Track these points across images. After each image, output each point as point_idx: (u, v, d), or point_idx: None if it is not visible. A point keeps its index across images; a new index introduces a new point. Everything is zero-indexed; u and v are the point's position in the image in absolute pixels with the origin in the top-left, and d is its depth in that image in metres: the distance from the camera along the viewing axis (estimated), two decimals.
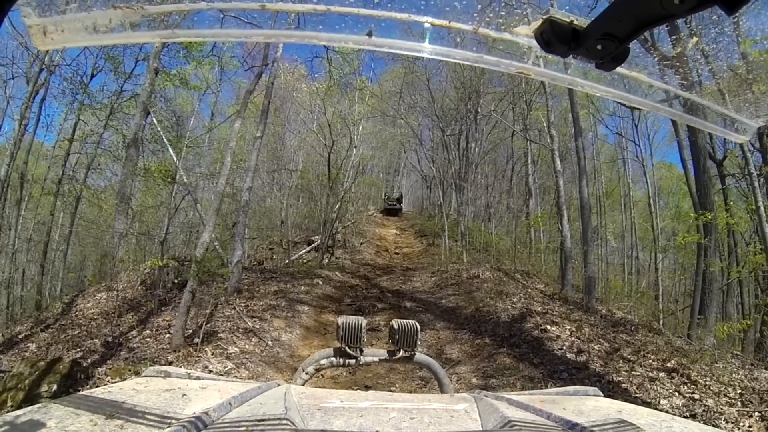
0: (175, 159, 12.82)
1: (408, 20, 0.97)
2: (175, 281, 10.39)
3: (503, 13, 0.95)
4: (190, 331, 7.63)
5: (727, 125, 1.19)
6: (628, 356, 6.80)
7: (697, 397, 5.58)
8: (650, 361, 6.69)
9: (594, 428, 0.99)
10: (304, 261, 16.72)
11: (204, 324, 7.39)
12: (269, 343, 7.88)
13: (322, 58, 17.41)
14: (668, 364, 6.55)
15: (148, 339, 7.98)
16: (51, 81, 14.45)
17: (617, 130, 23.76)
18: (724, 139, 14.85)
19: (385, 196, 32.92)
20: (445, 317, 9.72)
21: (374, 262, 17.91)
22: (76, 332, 8.70)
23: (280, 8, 1.08)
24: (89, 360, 7.38)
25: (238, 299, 9.44)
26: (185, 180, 12.28)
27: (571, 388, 1.53)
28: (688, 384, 5.97)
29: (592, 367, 6.56)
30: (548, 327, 8.00)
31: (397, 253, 20.27)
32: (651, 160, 22.21)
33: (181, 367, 5.18)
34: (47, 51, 13.72)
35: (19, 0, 0.64)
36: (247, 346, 7.56)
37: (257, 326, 8.27)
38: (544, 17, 0.75)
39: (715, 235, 10.81)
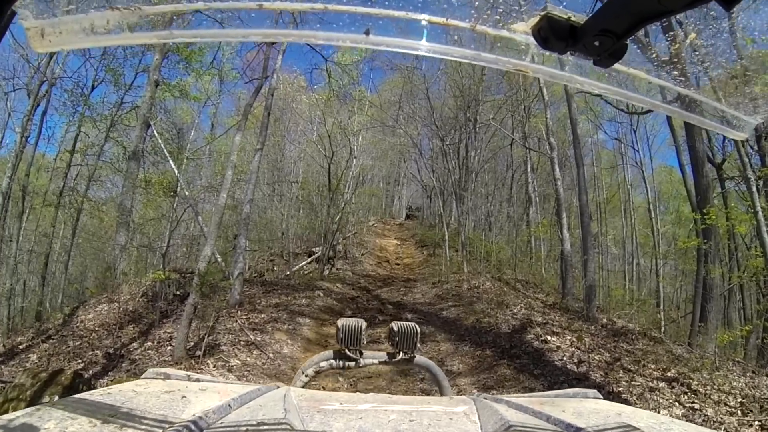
0: (176, 171, 12.84)
1: (406, 18, 0.95)
2: (177, 293, 10.39)
3: (500, 10, 0.95)
4: (192, 343, 7.66)
5: (726, 122, 1.17)
6: (629, 366, 6.81)
7: (697, 406, 5.59)
8: (650, 370, 6.70)
9: (593, 431, 1.00)
10: (305, 272, 16.63)
11: (206, 336, 7.42)
12: (271, 355, 7.90)
13: (322, 69, 17.52)
14: (668, 374, 6.56)
15: (149, 351, 8.00)
16: (52, 93, 14.46)
17: (616, 136, 23.68)
18: (723, 142, 14.81)
19: (408, 207, 38.17)
20: (445, 329, 9.73)
21: (375, 273, 17.86)
22: (78, 343, 8.71)
23: (278, 7, 1.05)
24: (90, 371, 7.37)
25: (239, 312, 9.47)
26: (186, 193, 12.33)
27: (570, 391, 1.53)
28: (689, 393, 5.98)
29: (592, 377, 6.57)
30: (549, 338, 8.01)
31: (398, 264, 20.20)
32: (651, 165, 22.17)
33: None
34: (48, 63, 13.80)
35: (17, 2, 0.64)
36: (248, 359, 7.58)
37: (259, 339, 8.30)
38: (542, 14, 0.74)
39: (715, 239, 10.69)
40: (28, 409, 0.90)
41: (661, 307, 15.91)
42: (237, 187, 16.00)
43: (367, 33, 0.93)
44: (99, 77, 16.06)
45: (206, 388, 1.25)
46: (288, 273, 15.61)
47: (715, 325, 10.27)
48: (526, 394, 1.60)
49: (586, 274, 10.81)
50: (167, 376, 1.36)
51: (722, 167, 13.80)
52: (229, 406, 1.06)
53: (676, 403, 5.64)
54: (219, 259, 11.93)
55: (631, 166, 23.91)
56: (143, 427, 0.89)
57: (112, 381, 6.60)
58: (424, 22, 0.96)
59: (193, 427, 0.87)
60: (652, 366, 6.85)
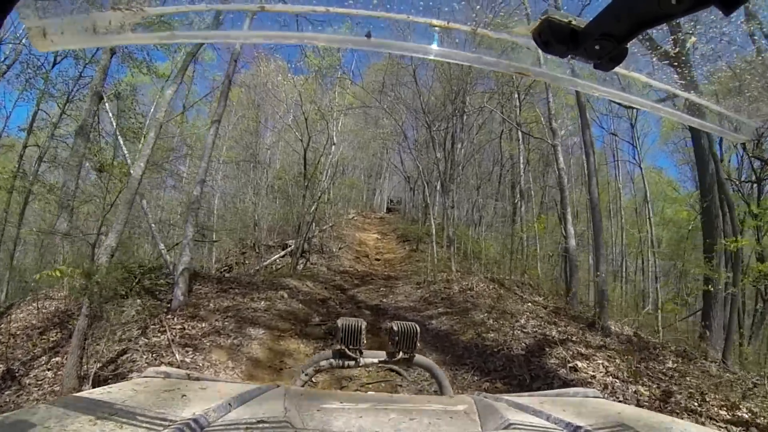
0: (125, 151, 11.14)
1: (407, 21, 0.96)
2: (118, 291, 8.48)
3: (502, 14, 0.92)
4: (100, 364, 5.69)
5: (727, 125, 1.17)
6: (686, 403, 5.09)
7: None
8: (715, 408, 5.02)
9: (594, 430, 0.98)
10: (278, 266, 15.04)
11: (95, 367, 5.42)
12: None
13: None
14: (738, 413, 4.92)
15: (47, 371, 6.14)
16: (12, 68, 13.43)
17: (612, 130, 23.20)
18: (720, 143, 14.08)
19: (389, 200, 39.26)
20: (437, 346, 7.66)
21: (353, 269, 16.15)
22: None
23: (279, 9, 1.09)
24: None
25: (175, 318, 7.45)
26: (131, 172, 10.42)
27: (570, 390, 1.50)
28: None
29: None
30: (578, 363, 6.09)
31: (378, 260, 18.59)
32: (640, 165, 21.79)
33: None
34: None
35: (19, 2, 0.59)
36: None
37: (188, 360, 6.22)
38: (543, 17, 0.74)
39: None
40: (28, 408, 0.89)
41: (660, 311, 14.93)
42: (197, 168, 14.35)
43: (368, 36, 0.95)
44: (62, 52, 14.52)
45: (206, 387, 1.24)
46: (258, 267, 14.07)
47: (720, 334, 9.48)
48: (526, 393, 1.52)
49: (598, 276, 9.21)
50: (167, 375, 1.33)
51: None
52: (229, 404, 1.05)
53: None
54: (163, 252, 9.99)
55: (621, 164, 24.02)
56: (143, 425, 0.87)
57: None
58: (425, 26, 0.97)
59: (193, 425, 0.86)
60: (712, 400, 5.19)
